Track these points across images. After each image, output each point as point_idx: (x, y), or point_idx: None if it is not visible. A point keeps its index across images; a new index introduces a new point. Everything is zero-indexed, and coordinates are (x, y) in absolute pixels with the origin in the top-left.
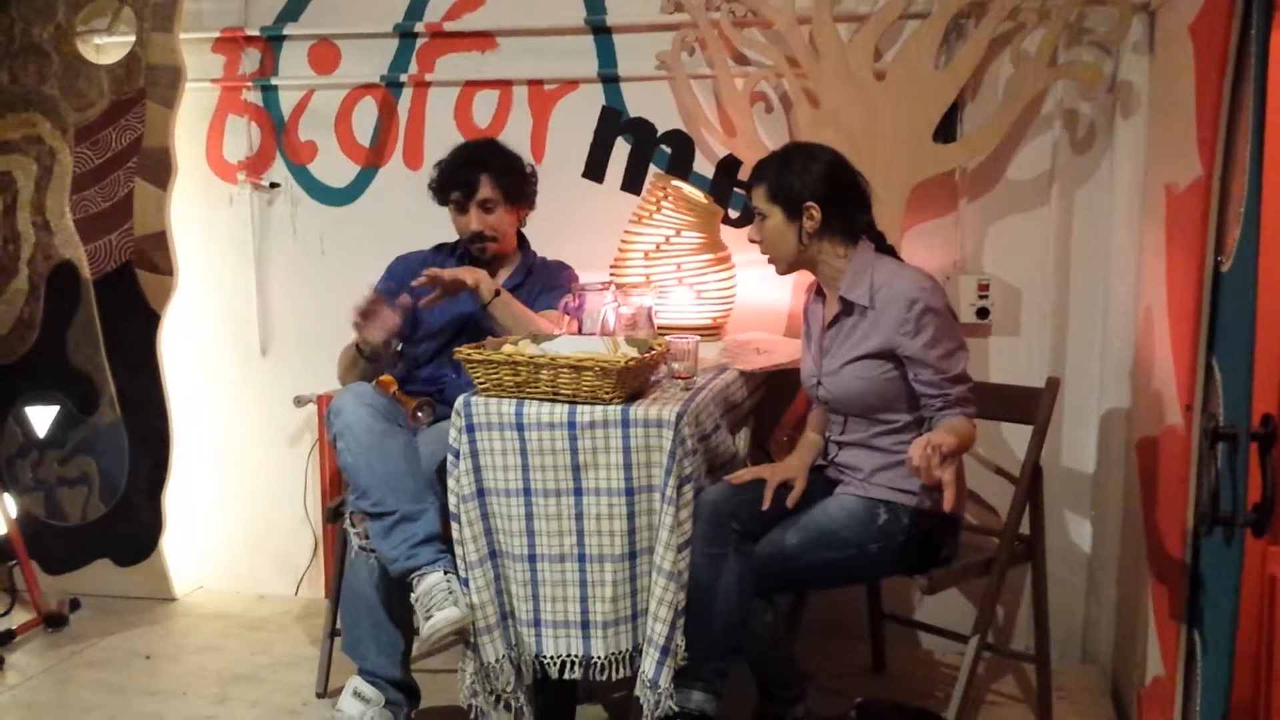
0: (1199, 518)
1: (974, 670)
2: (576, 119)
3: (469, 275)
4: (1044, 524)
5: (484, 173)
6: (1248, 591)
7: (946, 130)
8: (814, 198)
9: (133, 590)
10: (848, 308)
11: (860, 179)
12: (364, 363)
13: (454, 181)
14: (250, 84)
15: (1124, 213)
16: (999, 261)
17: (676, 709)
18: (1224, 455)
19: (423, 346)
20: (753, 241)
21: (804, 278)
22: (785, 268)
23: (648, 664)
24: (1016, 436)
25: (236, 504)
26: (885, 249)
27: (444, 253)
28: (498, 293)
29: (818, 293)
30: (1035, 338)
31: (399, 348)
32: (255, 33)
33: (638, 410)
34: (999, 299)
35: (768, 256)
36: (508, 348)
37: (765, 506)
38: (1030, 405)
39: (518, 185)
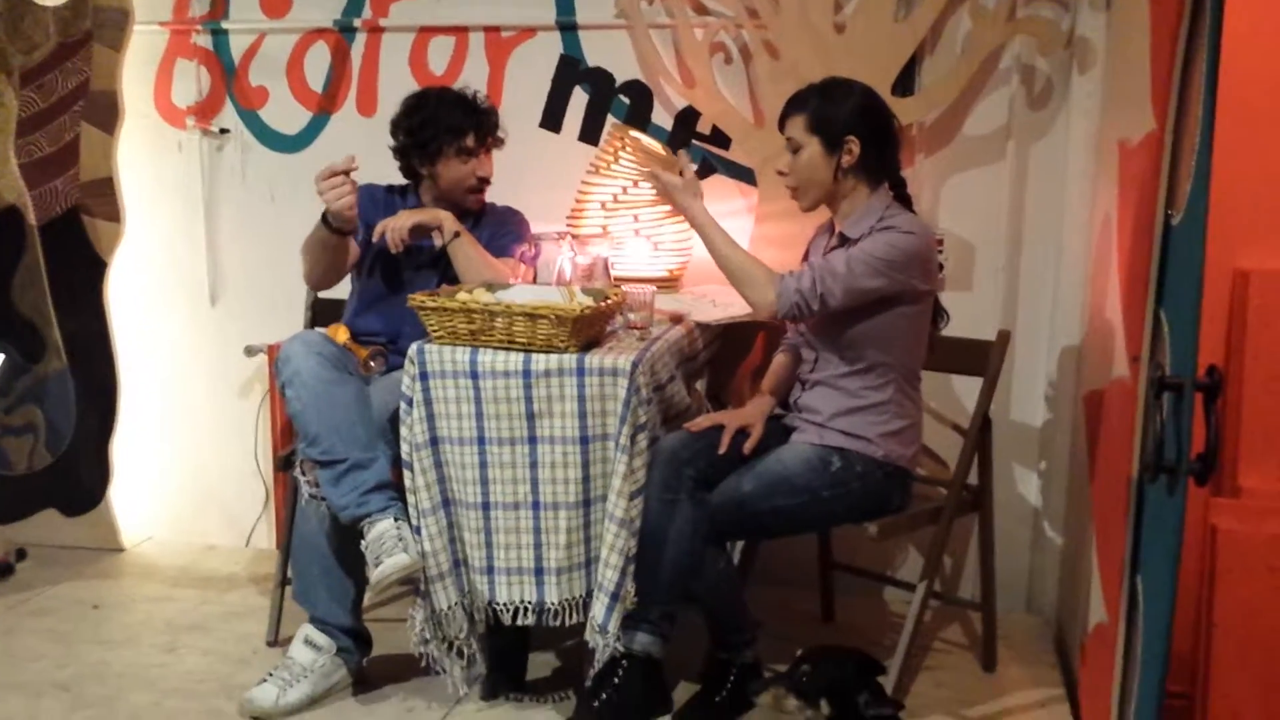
0: (1143, 466)
1: (920, 617)
2: (534, 67)
3: (431, 216)
4: (992, 475)
5: (489, 119)
6: (1189, 542)
7: (904, 84)
8: (854, 131)
9: (80, 541)
10: (843, 242)
11: (895, 120)
12: (334, 239)
13: (465, 126)
14: (200, 27)
15: (1078, 168)
16: (954, 217)
17: (622, 650)
18: (1169, 405)
19: (375, 297)
20: (780, 174)
21: (768, 231)
22: (810, 203)
23: (598, 609)
24: (966, 389)
25: (186, 455)
26: (902, 197)
27: (396, 194)
28: (457, 234)
29: (829, 227)
30: (988, 292)
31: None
32: None
33: (593, 359)
34: (953, 254)
35: (793, 190)
36: (462, 295)
37: (722, 450)
38: (980, 358)
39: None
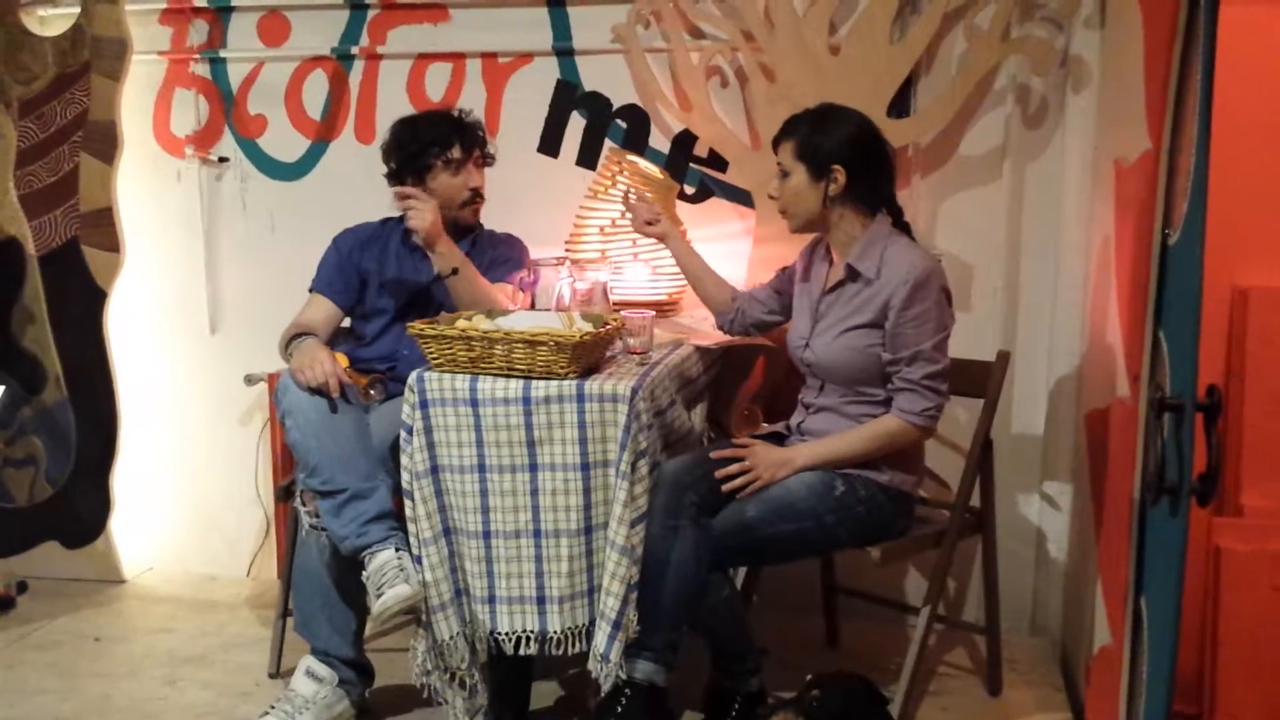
0: (1145, 488)
1: (925, 641)
2: (531, 93)
3: (447, 248)
4: (994, 496)
5: (473, 130)
6: (1193, 562)
7: (900, 105)
8: (841, 161)
9: (81, 573)
10: (852, 275)
11: (888, 149)
12: None
13: (450, 138)
14: (198, 56)
15: (1074, 188)
16: (951, 237)
17: (624, 678)
18: (1170, 426)
19: (373, 323)
20: (772, 198)
21: (766, 253)
22: (799, 226)
23: (600, 638)
24: (967, 410)
25: (187, 485)
26: (901, 225)
27: (391, 225)
28: (455, 270)
29: (825, 254)
30: (987, 313)
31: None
32: (203, 4)
33: (593, 385)
34: (951, 275)
35: (783, 213)
36: (461, 323)
37: (726, 488)
38: (981, 379)
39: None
